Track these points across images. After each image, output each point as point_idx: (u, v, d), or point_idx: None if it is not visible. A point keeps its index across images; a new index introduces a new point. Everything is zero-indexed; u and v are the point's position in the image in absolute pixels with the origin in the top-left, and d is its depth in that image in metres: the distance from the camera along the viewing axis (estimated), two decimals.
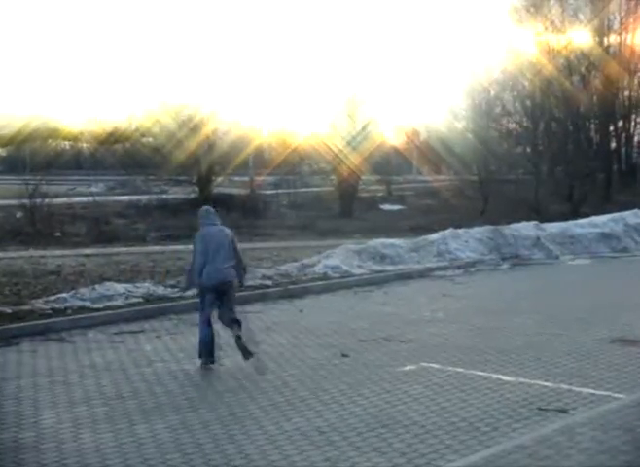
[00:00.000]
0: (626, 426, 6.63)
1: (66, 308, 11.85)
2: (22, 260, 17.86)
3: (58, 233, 24.90)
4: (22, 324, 11.01)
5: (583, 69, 38.51)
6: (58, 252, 20.04)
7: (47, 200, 26.86)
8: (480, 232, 18.60)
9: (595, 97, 38.65)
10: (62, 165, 62.28)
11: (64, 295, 12.51)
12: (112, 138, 18.68)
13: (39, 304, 12.07)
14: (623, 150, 42.25)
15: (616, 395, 7.59)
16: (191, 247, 9.45)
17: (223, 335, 10.62)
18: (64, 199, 32.38)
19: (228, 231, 9.30)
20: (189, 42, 40.98)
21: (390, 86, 37.27)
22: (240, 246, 9.52)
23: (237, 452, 6.26)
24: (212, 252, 8.95)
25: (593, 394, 7.64)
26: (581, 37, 39.19)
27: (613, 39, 39.60)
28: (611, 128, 40.05)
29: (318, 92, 35.18)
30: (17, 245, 21.89)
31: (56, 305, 11.96)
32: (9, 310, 11.62)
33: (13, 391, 8.18)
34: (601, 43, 38.89)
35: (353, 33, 33.60)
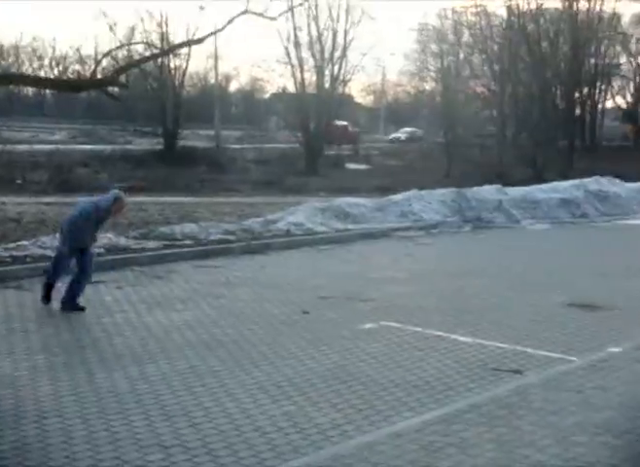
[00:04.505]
0: (578, 388, 6.80)
1: (26, 256, 11.74)
2: None
3: (19, 181, 24.61)
4: None
5: (552, 35, 38.59)
6: (19, 199, 19.82)
7: (8, 147, 26.49)
8: (443, 194, 18.72)
9: (563, 64, 38.82)
10: (25, 112, 61.22)
11: (25, 243, 12.40)
12: (76, 86, 18.36)
13: None
14: (588, 117, 42.59)
15: (569, 357, 7.75)
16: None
17: (183, 288, 10.67)
18: (26, 147, 31.91)
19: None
20: None
21: (361, 43, 37.03)
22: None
23: (196, 404, 6.31)
24: None
25: (547, 356, 7.78)
26: (551, 2, 39.25)
27: (582, 5, 39.67)
28: (576, 95, 40.30)
29: (288, 47, 34.86)
30: None
31: (16, 253, 11.85)
32: None
33: None
34: (570, 8, 38.94)
35: None
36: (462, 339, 8.38)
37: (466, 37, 40.61)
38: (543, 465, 5.35)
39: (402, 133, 58.56)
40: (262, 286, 11.00)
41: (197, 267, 12.27)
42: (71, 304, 9.32)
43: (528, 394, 6.66)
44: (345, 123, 52.08)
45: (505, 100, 37.79)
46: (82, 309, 9.29)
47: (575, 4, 39.04)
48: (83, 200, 10.08)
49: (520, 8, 38.21)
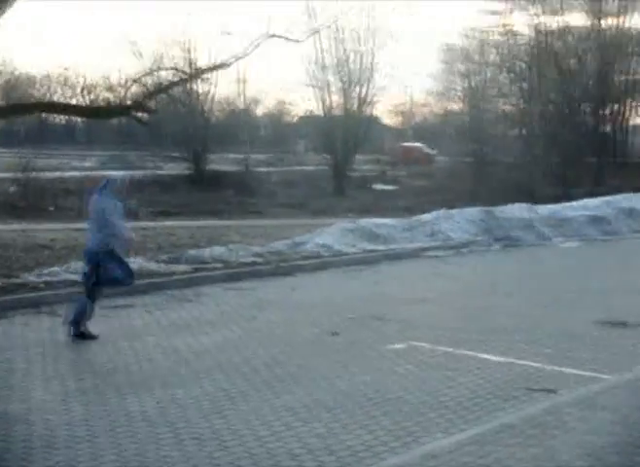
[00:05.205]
0: (613, 406, 6.69)
1: (58, 282, 11.85)
2: (15, 233, 17.84)
3: (52, 208, 24.88)
4: (14, 297, 11.02)
5: (579, 52, 38.45)
6: (51, 226, 20.02)
7: (40, 174, 26.81)
8: (472, 213, 18.65)
9: (591, 81, 38.62)
10: (56, 139, 62.01)
11: (56, 269, 12.52)
12: (105, 112, 18.62)
13: (31, 277, 12.07)
14: (617, 134, 42.26)
15: (603, 376, 7.64)
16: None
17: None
18: (58, 174, 32.28)
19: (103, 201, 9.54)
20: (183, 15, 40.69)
21: (386, 64, 37.11)
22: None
23: (226, 428, 6.29)
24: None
25: (581, 375, 7.69)
26: (578, 20, 39.14)
27: (609, 22, 39.50)
28: (606, 112, 40.04)
29: (315, 72, 35.04)
30: (10, 219, 21.87)
31: (49, 279, 11.97)
32: (0, 283, 11.62)
33: (3, 364, 8.20)
34: (599, 23, 38.78)
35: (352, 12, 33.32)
36: (493, 358, 8.30)
37: (492, 56, 40.54)
38: None
39: None
40: (291, 308, 11.00)
41: (227, 289, 12.30)
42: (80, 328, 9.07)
43: (562, 413, 6.56)
44: (420, 144, 53.45)
45: (533, 118, 37.65)
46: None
47: (603, 21, 38.89)
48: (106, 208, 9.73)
49: (547, 27, 38.18)
